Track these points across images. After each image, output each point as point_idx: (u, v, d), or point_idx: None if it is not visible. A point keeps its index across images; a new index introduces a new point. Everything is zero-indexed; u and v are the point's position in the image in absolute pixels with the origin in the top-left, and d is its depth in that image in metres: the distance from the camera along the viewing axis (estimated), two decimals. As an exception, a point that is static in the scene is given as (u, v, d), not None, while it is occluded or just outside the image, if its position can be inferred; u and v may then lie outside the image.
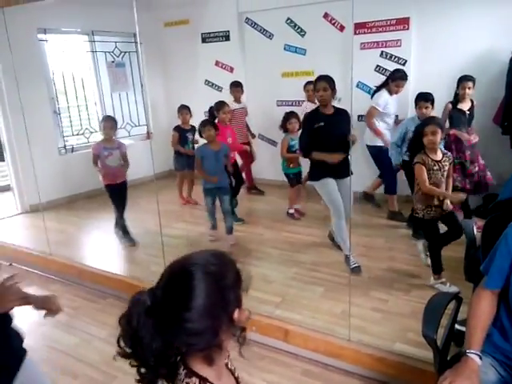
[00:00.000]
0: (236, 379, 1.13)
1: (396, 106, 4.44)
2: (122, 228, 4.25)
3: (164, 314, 0.93)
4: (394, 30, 4.77)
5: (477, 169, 4.00)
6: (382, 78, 4.79)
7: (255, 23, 5.74)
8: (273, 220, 4.61)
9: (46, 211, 4.32)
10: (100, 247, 4.34)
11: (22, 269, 3.82)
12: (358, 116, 4.92)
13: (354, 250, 3.44)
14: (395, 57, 4.83)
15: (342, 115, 3.47)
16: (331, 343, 2.41)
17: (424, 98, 3.84)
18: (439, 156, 3.11)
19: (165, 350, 0.94)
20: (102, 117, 5.07)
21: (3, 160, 5.29)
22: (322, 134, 3.42)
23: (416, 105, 3.91)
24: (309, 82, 4.71)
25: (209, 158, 3.91)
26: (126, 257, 4.24)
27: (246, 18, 5.78)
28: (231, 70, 6.01)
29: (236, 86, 5.28)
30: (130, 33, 5.95)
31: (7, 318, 1.54)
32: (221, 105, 4.47)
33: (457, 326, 1.73)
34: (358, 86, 5.03)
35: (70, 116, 5.93)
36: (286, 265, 3.60)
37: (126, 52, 6.29)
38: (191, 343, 0.95)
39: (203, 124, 3.98)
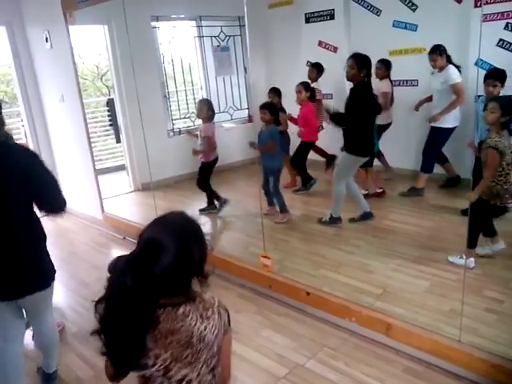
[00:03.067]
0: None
1: None
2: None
3: (142, 268, 1.07)
4: (523, -2, 4.21)
5: None
6: (505, 54, 4.31)
7: None
8: (374, 207, 4.41)
9: (156, 190, 4.61)
10: (202, 225, 4.53)
11: (133, 242, 4.15)
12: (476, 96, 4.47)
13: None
14: (523, 29, 4.28)
15: (353, 92, 3.73)
16: (438, 342, 2.25)
17: (492, 76, 3.66)
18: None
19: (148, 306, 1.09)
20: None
21: (120, 141, 5.74)
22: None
23: (484, 81, 3.70)
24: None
25: (259, 139, 4.17)
26: (227, 236, 4.39)
27: (353, -6, 5.53)
28: (335, 49, 5.82)
29: (310, 67, 5.38)
30: (234, 16, 6.04)
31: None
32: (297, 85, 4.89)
33: None
34: (476, 63, 4.54)
35: (177, 100, 6.23)
36: (387, 255, 3.42)
37: (230, 36, 6.40)
38: (173, 289, 1.15)
39: (260, 107, 4.24)
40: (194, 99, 6.36)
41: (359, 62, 3.64)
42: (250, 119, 6.13)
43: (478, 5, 4.42)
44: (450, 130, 4.37)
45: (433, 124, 4.43)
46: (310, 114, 4.92)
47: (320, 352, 2.48)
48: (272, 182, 4.23)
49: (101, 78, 7.57)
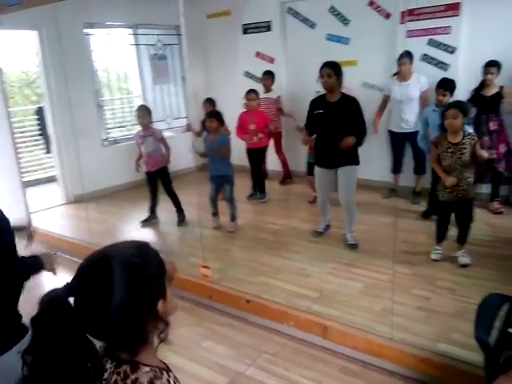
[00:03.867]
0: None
1: None
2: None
3: (82, 310, 0.87)
4: (443, 17, 4.53)
5: (494, 156, 4.06)
6: (429, 68, 4.61)
7: (297, 13, 5.64)
8: (309, 213, 4.53)
9: (90, 201, 4.43)
10: (139, 237, 4.41)
11: (64, 257, 3.93)
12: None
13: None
14: (444, 45, 4.60)
15: (347, 104, 3.45)
16: (372, 341, 2.33)
17: (442, 86, 3.91)
18: (458, 139, 3.10)
19: (85, 351, 0.88)
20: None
21: (50, 152, 5.47)
22: (322, 120, 3.52)
23: (436, 91, 3.99)
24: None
25: (207, 148, 4.16)
26: (165, 247, 4.29)
27: (289, 7, 5.70)
28: (271, 60, 5.95)
29: (264, 75, 5.47)
30: (171, 25, 6.01)
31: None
32: (247, 92, 4.91)
33: (510, 330, 1.61)
34: (403, 76, 4.83)
35: (113, 109, 6.06)
36: (323, 259, 3.51)
37: (167, 45, 6.34)
38: (115, 338, 0.89)
39: (207, 115, 4.25)
40: (131, 108, 6.22)
41: (336, 70, 3.41)
42: (188, 128, 6.07)
43: (404, 20, 4.70)
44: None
45: (407, 130, 4.55)
46: (269, 120, 5.01)
47: (259, 359, 2.48)
48: (229, 190, 4.22)
49: (29, 85, 7.18)
